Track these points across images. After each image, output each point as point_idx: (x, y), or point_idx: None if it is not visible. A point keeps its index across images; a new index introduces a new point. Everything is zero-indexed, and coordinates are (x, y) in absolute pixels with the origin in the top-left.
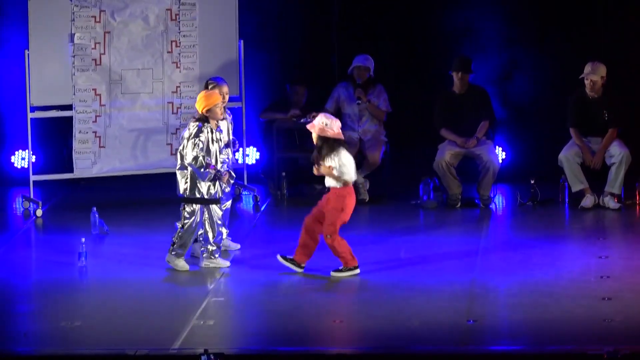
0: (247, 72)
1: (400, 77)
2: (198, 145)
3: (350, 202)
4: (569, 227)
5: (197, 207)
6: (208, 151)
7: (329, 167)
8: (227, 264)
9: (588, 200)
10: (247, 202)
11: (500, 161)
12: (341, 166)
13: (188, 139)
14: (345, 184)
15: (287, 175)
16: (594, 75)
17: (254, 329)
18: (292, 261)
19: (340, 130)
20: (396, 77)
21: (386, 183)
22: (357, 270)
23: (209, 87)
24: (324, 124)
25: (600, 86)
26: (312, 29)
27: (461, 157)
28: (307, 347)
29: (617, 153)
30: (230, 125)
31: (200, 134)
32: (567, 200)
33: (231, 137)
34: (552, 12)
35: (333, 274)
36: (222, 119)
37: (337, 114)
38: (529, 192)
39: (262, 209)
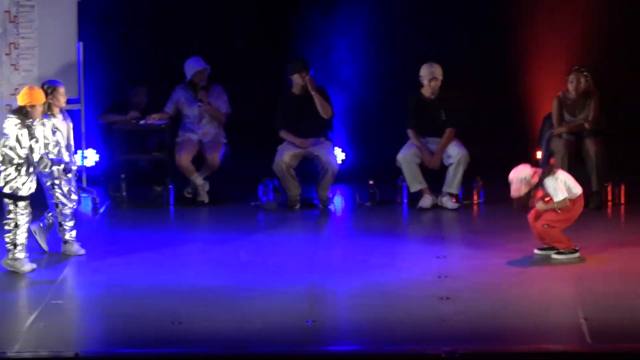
0: (87, 74)
1: (239, 78)
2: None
3: (575, 212)
4: (407, 228)
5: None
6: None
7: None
8: (28, 268)
9: (426, 201)
10: (86, 204)
11: (340, 162)
12: (565, 191)
13: (8, 140)
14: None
15: (126, 177)
16: (436, 74)
17: (93, 331)
18: (566, 252)
19: (529, 172)
20: (235, 79)
21: (226, 185)
22: (577, 254)
23: (47, 90)
24: (519, 188)
25: (438, 87)
26: (153, 31)
27: (300, 158)
28: (148, 349)
29: (455, 153)
30: (70, 128)
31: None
32: (405, 200)
33: (71, 140)
34: (394, 15)
35: (554, 256)
36: (48, 120)
37: (177, 116)
38: (367, 193)
39: (102, 211)
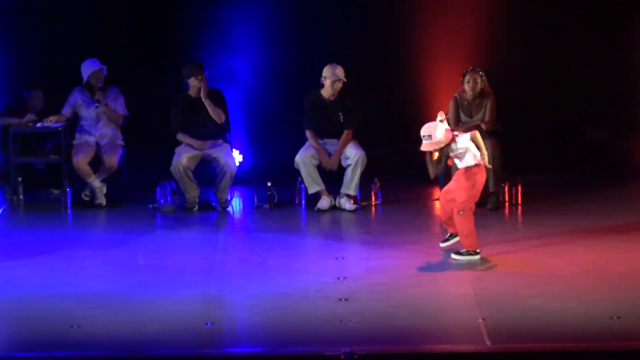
0: None
1: (137, 80)
2: None
3: (481, 179)
4: (305, 229)
5: None
6: None
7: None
8: None
9: (324, 202)
10: None
11: (237, 164)
12: (465, 149)
13: None
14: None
15: (23, 181)
16: (341, 76)
17: None
18: (465, 253)
19: (444, 126)
20: (132, 80)
21: (124, 187)
22: (477, 257)
23: None
24: (440, 141)
25: (340, 88)
26: (47, 32)
27: (198, 160)
28: (46, 352)
29: (352, 155)
30: None
31: None
32: (303, 202)
33: None
34: (293, 17)
35: (454, 256)
36: None
37: (74, 119)
38: (266, 195)
39: None
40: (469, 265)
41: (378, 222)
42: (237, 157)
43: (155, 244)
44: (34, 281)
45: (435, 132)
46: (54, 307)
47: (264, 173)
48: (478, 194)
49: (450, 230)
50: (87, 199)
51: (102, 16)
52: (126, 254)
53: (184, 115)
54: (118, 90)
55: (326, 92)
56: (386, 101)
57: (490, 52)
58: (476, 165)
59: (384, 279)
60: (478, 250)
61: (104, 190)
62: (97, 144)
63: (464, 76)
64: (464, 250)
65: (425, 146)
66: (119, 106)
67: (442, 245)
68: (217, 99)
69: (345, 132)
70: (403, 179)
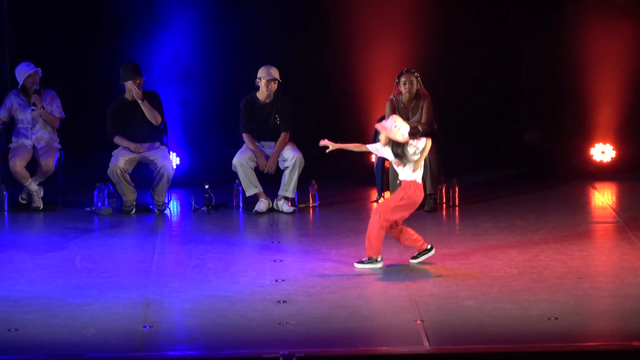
0: None
1: (73, 82)
2: None
3: (415, 196)
4: (243, 232)
5: None
6: None
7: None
8: None
9: (262, 205)
10: None
11: (175, 167)
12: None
13: None
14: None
15: None
16: (276, 76)
17: None
18: (366, 261)
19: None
20: (68, 82)
21: (61, 190)
22: (380, 265)
23: None
24: (385, 129)
25: (275, 89)
26: None
27: (135, 163)
28: None
29: (290, 157)
30: None
31: None
32: (241, 204)
33: None
34: (231, 18)
35: (356, 265)
36: None
37: (11, 122)
38: (203, 197)
39: None
40: (405, 268)
41: (316, 224)
42: (174, 159)
43: (93, 247)
44: None
45: (396, 122)
46: None
47: (201, 175)
48: (406, 212)
49: (408, 244)
50: (24, 202)
51: (38, 19)
52: (63, 257)
53: (121, 118)
54: (54, 93)
55: (262, 94)
56: (323, 103)
57: (425, 54)
58: (414, 180)
59: (322, 281)
60: (379, 258)
61: (41, 194)
62: (34, 147)
63: (399, 78)
64: (366, 258)
65: (380, 125)
66: (56, 109)
67: (412, 261)
68: (153, 101)
69: (282, 134)
70: (340, 181)
